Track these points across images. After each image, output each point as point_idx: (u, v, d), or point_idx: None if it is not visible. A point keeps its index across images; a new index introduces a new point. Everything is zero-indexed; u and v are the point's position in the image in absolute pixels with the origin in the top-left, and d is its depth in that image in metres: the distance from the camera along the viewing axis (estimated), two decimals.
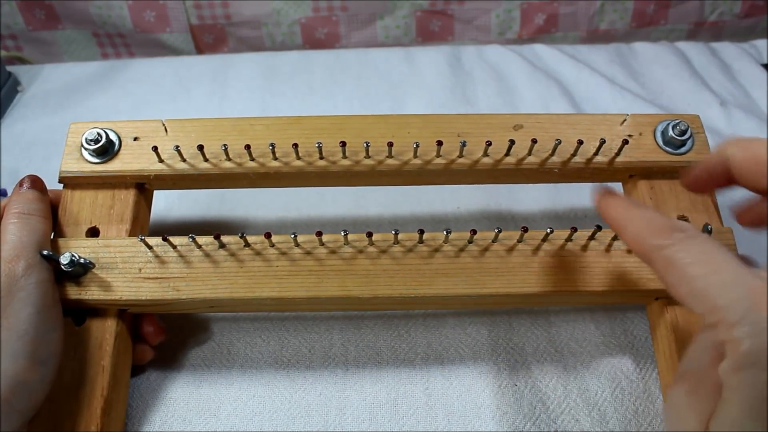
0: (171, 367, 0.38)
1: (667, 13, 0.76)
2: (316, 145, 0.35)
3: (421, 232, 0.33)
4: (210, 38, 0.75)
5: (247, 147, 0.35)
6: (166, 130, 0.37)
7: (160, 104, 0.55)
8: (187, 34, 0.73)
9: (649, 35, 0.78)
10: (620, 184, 0.39)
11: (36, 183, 0.35)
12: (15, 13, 0.72)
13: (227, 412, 0.36)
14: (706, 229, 0.33)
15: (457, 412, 0.36)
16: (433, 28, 0.75)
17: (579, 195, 0.47)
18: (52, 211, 0.35)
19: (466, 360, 0.38)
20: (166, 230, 0.39)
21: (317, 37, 0.74)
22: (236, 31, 0.74)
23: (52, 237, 0.34)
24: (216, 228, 0.43)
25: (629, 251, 0.34)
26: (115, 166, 0.36)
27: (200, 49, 0.76)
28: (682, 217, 0.35)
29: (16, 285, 0.29)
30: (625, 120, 0.37)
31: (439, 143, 0.35)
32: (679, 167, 0.36)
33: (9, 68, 0.58)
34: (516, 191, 0.47)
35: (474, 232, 0.33)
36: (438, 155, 0.36)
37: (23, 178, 0.35)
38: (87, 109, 0.55)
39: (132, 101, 0.56)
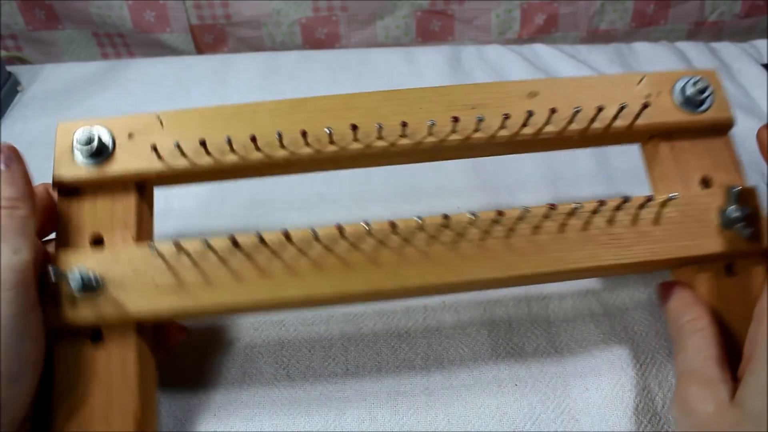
0: (170, 368, 0.38)
1: (667, 13, 0.76)
2: (326, 131, 0.33)
3: (446, 216, 0.32)
4: (210, 38, 0.75)
5: (253, 139, 0.33)
6: (161, 124, 0.35)
7: (160, 104, 0.56)
8: (187, 34, 0.73)
9: (649, 35, 0.78)
10: (639, 145, 0.38)
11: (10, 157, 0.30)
12: (15, 13, 0.72)
13: (227, 413, 0.36)
14: (732, 192, 0.32)
15: (457, 412, 0.36)
16: (433, 28, 0.75)
17: (581, 194, 0.47)
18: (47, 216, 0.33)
19: (466, 360, 0.38)
20: (169, 234, 0.39)
21: (317, 37, 0.74)
22: (236, 31, 0.74)
23: (53, 250, 0.32)
24: (216, 232, 0.43)
25: (656, 221, 0.33)
26: (111, 167, 0.34)
27: (200, 49, 0.76)
28: (706, 178, 0.35)
29: None
30: (642, 79, 0.37)
31: (455, 119, 0.34)
32: (700, 126, 0.36)
33: (9, 68, 0.58)
34: (516, 191, 0.47)
35: (500, 213, 0.32)
36: (453, 131, 0.35)
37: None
38: (87, 109, 0.55)
39: (132, 101, 0.56)
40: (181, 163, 0.34)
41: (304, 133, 0.33)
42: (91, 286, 0.30)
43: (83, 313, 0.31)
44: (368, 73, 0.58)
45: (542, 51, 0.61)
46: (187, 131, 0.34)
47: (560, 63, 0.59)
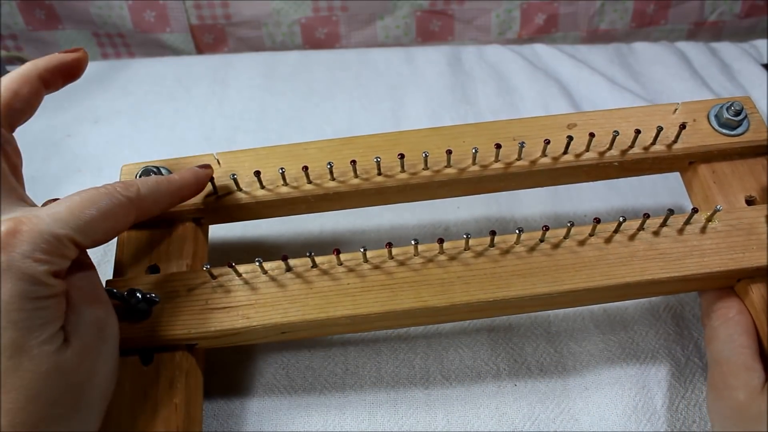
0: None
1: (667, 13, 0.76)
2: (375, 160, 0.35)
3: (493, 233, 0.32)
4: (210, 38, 0.75)
5: (305, 168, 0.35)
6: (218, 163, 0.37)
7: (160, 104, 0.56)
8: (187, 34, 0.73)
9: (649, 35, 0.78)
10: (678, 174, 0.38)
11: None
12: (15, 13, 0.72)
13: (226, 414, 0.36)
14: None
15: (457, 412, 0.36)
16: (433, 28, 0.76)
17: (579, 196, 0.47)
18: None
19: (466, 360, 0.38)
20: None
21: (317, 37, 0.75)
22: (236, 31, 0.74)
23: (111, 277, 0.33)
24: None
25: (703, 236, 0.33)
26: None
27: (200, 49, 0.76)
28: (750, 198, 0.35)
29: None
30: (676, 109, 0.37)
31: (498, 146, 0.35)
32: (739, 148, 0.36)
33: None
34: (517, 194, 0.47)
35: (546, 228, 0.32)
36: (496, 159, 0.36)
37: None
38: (87, 109, 0.55)
39: (132, 101, 0.56)
40: (236, 196, 0.36)
41: (353, 162, 0.35)
42: (146, 308, 0.32)
43: (136, 332, 0.31)
44: (368, 73, 0.58)
45: (542, 51, 0.61)
46: (243, 168, 0.36)
47: (560, 63, 0.59)
